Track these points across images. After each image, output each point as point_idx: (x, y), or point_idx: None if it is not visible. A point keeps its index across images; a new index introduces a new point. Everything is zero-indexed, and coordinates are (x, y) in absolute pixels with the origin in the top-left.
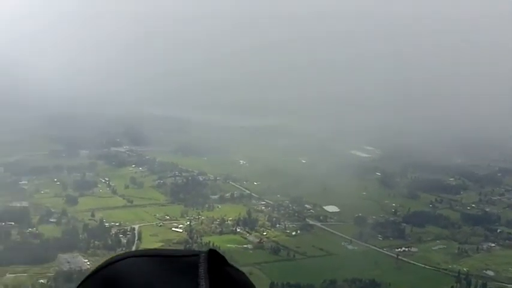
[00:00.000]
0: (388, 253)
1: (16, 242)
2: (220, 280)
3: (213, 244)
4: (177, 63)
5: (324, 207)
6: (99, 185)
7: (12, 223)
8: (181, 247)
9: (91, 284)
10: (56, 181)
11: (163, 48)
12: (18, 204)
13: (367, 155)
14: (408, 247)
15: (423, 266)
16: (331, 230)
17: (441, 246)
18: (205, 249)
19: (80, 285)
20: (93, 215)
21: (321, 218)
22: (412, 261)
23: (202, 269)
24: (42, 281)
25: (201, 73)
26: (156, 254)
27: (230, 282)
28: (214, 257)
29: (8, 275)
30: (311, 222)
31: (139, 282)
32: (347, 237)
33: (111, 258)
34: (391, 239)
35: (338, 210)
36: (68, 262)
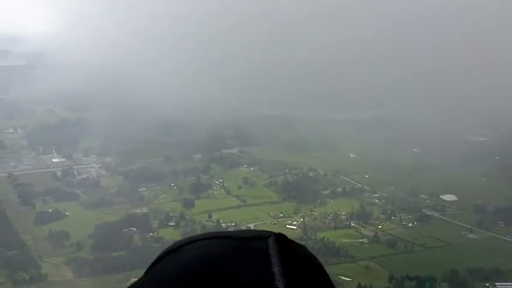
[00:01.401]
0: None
1: (138, 247)
2: (290, 257)
3: (328, 239)
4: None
5: (440, 196)
6: (214, 187)
7: (134, 229)
8: None
9: (162, 266)
10: (173, 186)
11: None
12: (139, 211)
13: (483, 139)
14: None
15: None
16: (450, 220)
17: None
18: (275, 233)
19: (150, 266)
20: (209, 217)
21: (438, 207)
22: None
23: (273, 251)
24: None
25: (296, 69)
26: (227, 236)
27: (299, 258)
28: (281, 236)
29: (132, 279)
30: (428, 212)
31: (211, 264)
32: (467, 226)
33: (180, 240)
34: None
35: (456, 199)
36: None
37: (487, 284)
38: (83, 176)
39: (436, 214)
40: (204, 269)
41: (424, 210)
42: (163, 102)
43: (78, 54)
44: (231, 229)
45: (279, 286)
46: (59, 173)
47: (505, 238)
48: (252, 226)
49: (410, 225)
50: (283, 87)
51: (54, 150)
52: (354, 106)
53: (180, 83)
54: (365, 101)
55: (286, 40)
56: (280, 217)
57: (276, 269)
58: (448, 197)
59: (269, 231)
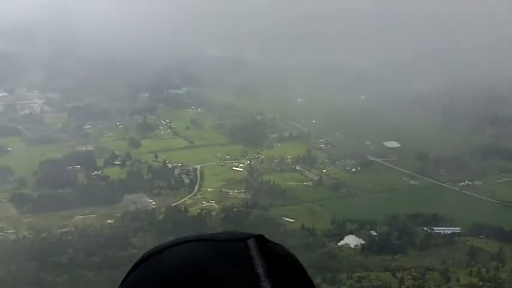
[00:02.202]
0: (451, 187)
1: (83, 185)
2: (272, 257)
3: (273, 182)
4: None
5: (384, 143)
6: (161, 127)
7: (79, 166)
8: (243, 185)
9: (141, 274)
10: (119, 125)
11: None
12: (84, 148)
13: (428, 88)
14: (472, 181)
15: (487, 199)
16: (392, 166)
17: (506, 179)
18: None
19: (127, 275)
20: (156, 157)
21: (381, 154)
22: (475, 195)
23: (254, 252)
24: (110, 221)
25: (257, 12)
26: (206, 239)
27: (280, 258)
28: (260, 237)
29: (77, 217)
30: (371, 158)
31: (193, 269)
32: (408, 172)
33: (156, 247)
34: (454, 173)
35: (399, 145)
36: (134, 203)
37: (425, 229)
38: (25, 111)
39: (379, 160)
40: (186, 275)
41: (367, 156)
42: (112, 40)
43: None
44: (177, 170)
45: (265, 286)
46: (0, 108)
47: (445, 185)
48: (198, 167)
49: (353, 170)
50: (235, 29)
51: None
52: (306, 51)
53: (130, 23)
54: (317, 46)
55: None
56: (227, 159)
57: (260, 270)
58: (391, 144)
59: (248, 233)
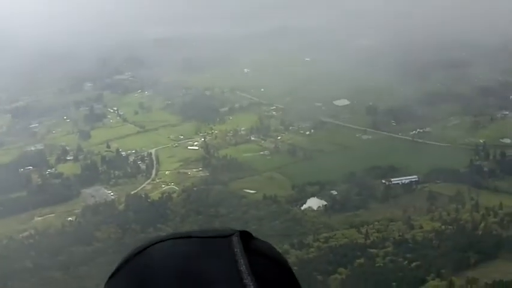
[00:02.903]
0: (404, 137)
1: (38, 185)
2: (255, 255)
3: (230, 156)
4: None
5: (334, 102)
6: (109, 116)
7: (31, 167)
8: (200, 164)
9: (124, 274)
10: (66, 119)
11: None
12: (33, 148)
13: (370, 43)
14: (422, 128)
15: (439, 144)
16: (344, 124)
17: (455, 122)
18: (237, 227)
19: (111, 276)
20: (108, 146)
21: (333, 113)
22: (428, 141)
23: (238, 249)
24: (71, 218)
25: None
26: (189, 236)
27: (264, 255)
28: (245, 233)
29: (36, 218)
30: (324, 119)
31: (176, 266)
32: (361, 128)
33: (140, 245)
34: (405, 123)
35: (348, 103)
36: (93, 196)
37: (383, 181)
38: None
39: (331, 120)
40: (169, 272)
41: (320, 117)
42: (46, 31)
43: None
44: (131, 157)
45: (248, 284)
46: None
47: (397, 136)
48: (153, 151)
49: (307, 133)
50: (173, 6)
51: None
52: (247, 18)
53: (63, 11)
54: (258, 12)
55: None
56: (181, 139)
57: (243, 267)
58: (341, 102)
59: (232, 229)
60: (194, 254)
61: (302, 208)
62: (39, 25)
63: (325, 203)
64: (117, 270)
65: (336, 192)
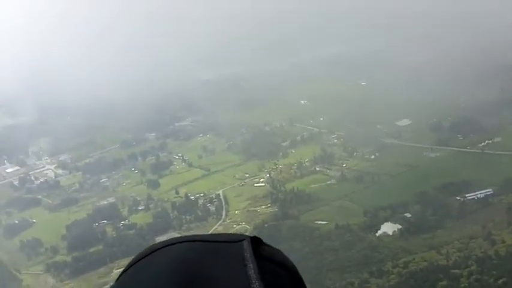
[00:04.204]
0: (473, 150)
1: (113, 238)
2: (265, 260)
3: (297, 189)
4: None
5: (395, 123)
6: (175, 162)
7: (105, 221)
8: (268, 200)
9: (134, 273)
10: (134, 170)
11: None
12: (105, 202)
13: (420, 59)
14: (491, 139)
15: (510, 153)
16: (409, 144)
17: None
18: (249, 232)
19: (121, 274)
20: (177, 192)
21: (396, 134)
22: (499, 152)
23: (248, 253)
24: None
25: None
26: (200, 240)
27: (273, 261)
28: (256, 239)
29: (115, 271)
30: (387, 141)
31: (186, 268)
32: (427, 146)
33: (151, 246)
34: (472, 135)
35: (410, 122)
36: None
37: (457, 198)
38: (41, 179)
39: (395, 141)
40: (178, 274)
41: (383, 140)
42: (102, 91)
43: None
44: (200, 200)
45: None
46: (16, 182)
47: (465, 150)
48: (221, 192)
49: (372, 157)
50: (218, 49)
51: (5, 161)
52: (295, 51)
53: (112, 67)
54: (304, 44)
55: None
56: (247, 177)
57: (252, 272)
58: (403, 122)
59: (243, 235)
60: (202, 257)
61: (377, 234)
62: (89, 81)
63: (399, 226)
64: (123, 272)
65: (409, 215)
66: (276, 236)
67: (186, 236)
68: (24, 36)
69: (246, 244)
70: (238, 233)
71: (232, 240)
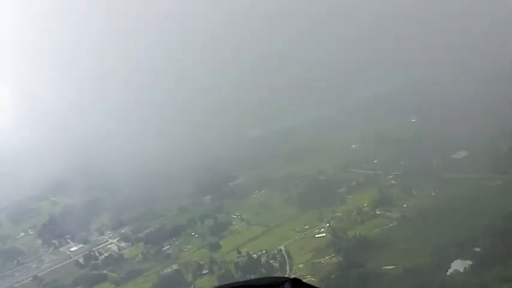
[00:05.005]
0: None
1: None
2: None
3: (359, 235)
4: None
5: (452, 156)
6: (233, 222)
7: None
8: (331, 250)
9: None
10: (194, 234)
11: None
12: (170, 269)
13: (468, 87)
14: None
15: None
16: (468, 175)
17: None
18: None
19: None
20: (239, 252)
21: (454, 167)
22: None
23: None
24: None
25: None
26: (244, 285)
27: None
28: (297, 281)
29: None
30: (445, 175)
31: None
32: (487, 175)
33: None
34: None
35: (467, 153)
36: None
37: None
38: (105, 254)
39: (453, 175)
40: None
41: (441, 174)
42: (149, 157)
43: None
44: (263, 258)
45: None
46: (81, 260)
47: None
48: (282, 247)
49: (432, 194)
50: (263, 103)
51: (69, 240)
52: (340, 96)
53: (155, 135)
54: (349, 87)
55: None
56: (307, 229)
57: None
58: (460, 154)
59: (285, 277)
60: None
61: (448, 273)
62: (142, 154)
63: (470, 262)
64: None
65: (479, 249)
66: (344, 286)
67: (232, 283)
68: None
69: (287, 286)
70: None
71: (275, 283)
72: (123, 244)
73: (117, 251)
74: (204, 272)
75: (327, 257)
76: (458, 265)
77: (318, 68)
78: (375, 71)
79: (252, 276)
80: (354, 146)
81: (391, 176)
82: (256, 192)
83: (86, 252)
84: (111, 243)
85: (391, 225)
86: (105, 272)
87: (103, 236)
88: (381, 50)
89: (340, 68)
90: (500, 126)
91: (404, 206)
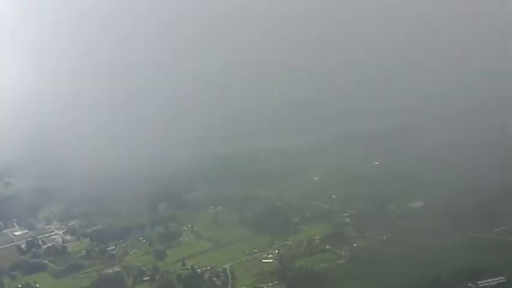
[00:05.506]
0: (486, 236)
1: None
2: None
3: (306, 267)
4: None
5: (408, 205)
6: (184, 234)
7: None
8: (275, 277)
9: None
10: (142, 239)
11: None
12: (111, 270)
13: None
14: (505, 225)
15: None
16: (422, 227)
17: None
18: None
19: None
20: (184, 264)
21: (409, 216)
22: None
23: None
24: None
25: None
26: None
27: None
28: None
29: None
30: (399, 223)
31: None
32: (440, 230)
33: None
34: (487, 220)
35: (423, 204)
36: None
37: (469, 285)
38: (48, 244)
39: (408, 223)
40: None
41: (395, 221)
42: (117, 157)
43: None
44: (207, 274)
45: None
46: (23, 246)
47: (479, 235)
48: (227, 267)
49: (384, 238)
50: (233, 122)
51: (15, 223)
52: (314, 127)
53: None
54: (325, 119)
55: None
56: (255, 253)
57: None
58: (416, 204)
59: None
60: None
61: None
62: (111, 152)
63: None
64: None
65: None
66: None
67: None
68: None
69: None
70: None
71: None
72: (68, 237)
73: (61, 242)
74: (146, 278)
75: (270, 284)
76: None
77: (301, 92)
78: (359, 106)
79: None
80: (316, 178)
81: (347, 214)
82: (212, 207)
83: (30, 239)
84: (56, 234)
85: (338, 262)
86: (45, 261)
87: (50, 226)
88: (371, 84)
89: (323, 95)
90: (465, 181)
91: (355, 245)
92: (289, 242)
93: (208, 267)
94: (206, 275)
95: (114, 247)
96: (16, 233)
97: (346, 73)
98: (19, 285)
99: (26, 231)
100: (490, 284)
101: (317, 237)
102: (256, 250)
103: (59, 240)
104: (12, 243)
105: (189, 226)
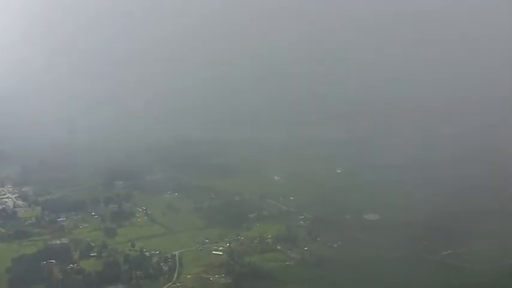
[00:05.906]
0: (434, 257)
1: (58, 280)
2: None
3: (255, 264)
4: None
5: (364, 216)
6: (137, 215)
7: (54, 261)
8: (222, 270)
9: None
10: (94, 215)
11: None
12: (58, 241)
13: (402, 160)
14: (455, 249)
15: (474, 268)
16: (374, 240)
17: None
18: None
19: None
20: (133, 245)
21: (362, 227)
22: (461, 263)
23: None
24: None
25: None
26: None
27: None
28: None
29: None
30: (352, 233)
31: None
32: (390, 246)
33: None
34: (439, 242)
35: (378, 217)
36: None
37: None
38: None
39: (360, 234)
40: None
41: (347, 230)
42: (82, 129)
43: None
44: (155, 258)
45: None
46: None
47: (428, 256)
48: (177, 254)
49: (335, 245)
50: (210, 109)
51: None
52: (288, 120)
53: (101, 108)
54: (291, 120)
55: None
56: (206, 243)
57: None
58: (371, 216)
59: None
60: None
61: None
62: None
63: None
64: None
65: None
66: None
67: None
68: None
69: None
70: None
71: None
72: (20, 202)
73: (12, 207)
74: (92, 254)
75: (217, 276)
76: None
77: (283, 88)
78: (335, 111)
79: (138, 272)
80: (277, 178)
81: (302, 216)
82: (169, 192)
83: None
84: (8, 198)
85: (287, 263)
86: None
87: (2, 188)
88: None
89: (302, 92)
90: (424, 199)
91: (306, 249)
92: (242, 238)
93: (157, 252)
94: (154, 259)
95: (64, 219)
96: None
97: (329, 76)
98: None
99: None
100: None
101: (270, 236)
102: (207, 241)
103: (10, 204)
104: None
105: (144, 208)
